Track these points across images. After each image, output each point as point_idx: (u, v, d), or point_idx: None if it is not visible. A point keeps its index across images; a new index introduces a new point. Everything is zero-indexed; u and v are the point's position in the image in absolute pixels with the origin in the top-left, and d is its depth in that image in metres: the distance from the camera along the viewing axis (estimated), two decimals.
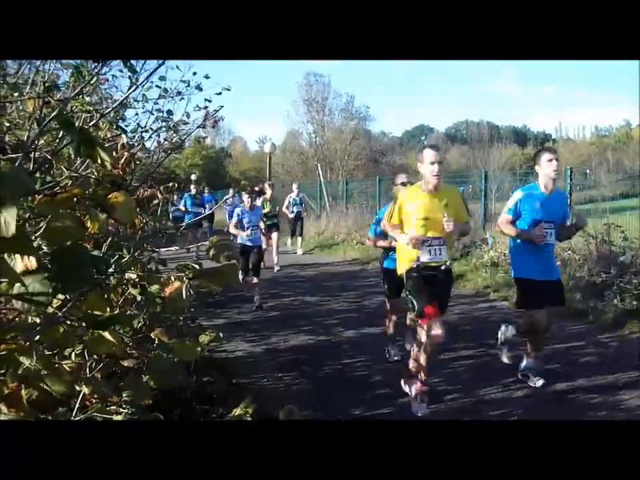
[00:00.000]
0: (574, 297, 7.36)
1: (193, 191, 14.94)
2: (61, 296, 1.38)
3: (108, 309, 1.63)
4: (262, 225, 8.61)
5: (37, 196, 1.31)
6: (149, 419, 1.67)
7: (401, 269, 4.29)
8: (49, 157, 1.49)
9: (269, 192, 12.02)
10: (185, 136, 3.89)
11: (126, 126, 3.40)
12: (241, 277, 7.75)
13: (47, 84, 1.56)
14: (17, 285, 1.19)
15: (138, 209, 2.46)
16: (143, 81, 1.85)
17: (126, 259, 1.90)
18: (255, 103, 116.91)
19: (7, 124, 2.07)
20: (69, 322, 1.48)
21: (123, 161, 2.24)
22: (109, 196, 1.35)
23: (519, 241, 4.58)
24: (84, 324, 1.45)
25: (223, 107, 2.98)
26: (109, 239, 1.83)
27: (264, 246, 9.23)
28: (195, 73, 3.56)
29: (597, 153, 46.49)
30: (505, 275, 8.90)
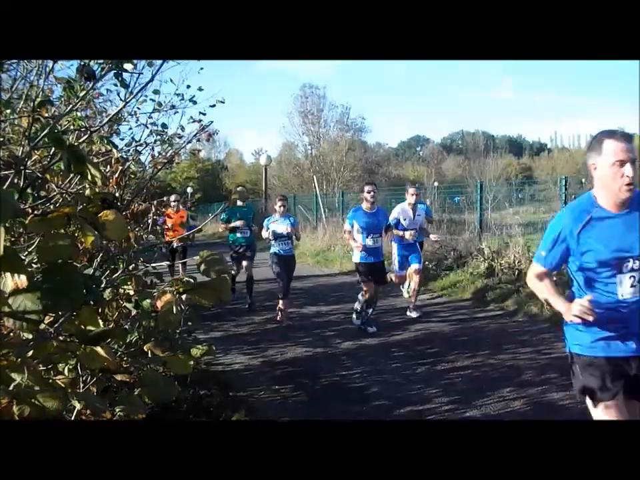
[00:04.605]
0: None
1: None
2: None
3: (101, 324, 1.63)
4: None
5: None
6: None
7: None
8: (40, 174, 1.49)
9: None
10: (180, 149, 3.90)
11: (120, 139, 3.41)
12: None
13: (38, 100, 1.56)
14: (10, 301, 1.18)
15: (132, 223, 2.46)
16: (136, 95, 1.86)
17: (119, 272, 1.90)
18: (251, 115, 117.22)
19: (0, 139, 2.07)
20: (61, 337, 1.48)
21: (117, 175, 2.24)
22: (100, 214, 1.35)
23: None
24: (76, 339, 1.45)
25: (212, 122, 3.00)
26: (101, 254, 1.83)
27: None
28: (188, 86, 3.58)
29: None
30: (502, 285, 8.89)
